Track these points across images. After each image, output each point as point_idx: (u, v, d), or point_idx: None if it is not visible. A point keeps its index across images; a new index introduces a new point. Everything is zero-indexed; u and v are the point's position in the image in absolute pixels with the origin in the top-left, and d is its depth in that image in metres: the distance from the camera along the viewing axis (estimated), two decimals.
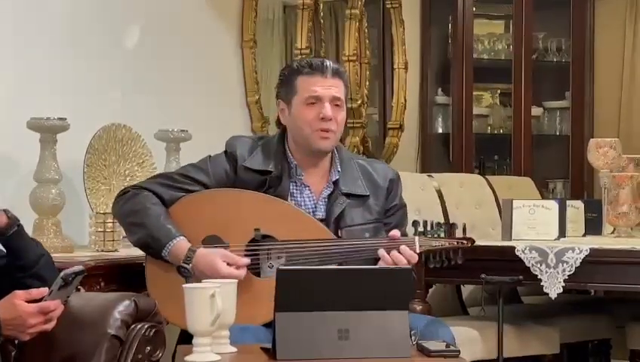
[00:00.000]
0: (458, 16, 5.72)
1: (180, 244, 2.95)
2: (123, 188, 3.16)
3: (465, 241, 3.02)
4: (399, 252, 2.94)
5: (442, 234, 3.00)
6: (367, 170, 3.14)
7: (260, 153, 3.09)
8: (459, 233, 3.03)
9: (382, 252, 2.94)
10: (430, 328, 2.90)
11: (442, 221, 3.55)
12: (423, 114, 5.86)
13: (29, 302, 2.48)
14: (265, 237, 2.99)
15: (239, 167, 3.07)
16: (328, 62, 3.07)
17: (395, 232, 3.00)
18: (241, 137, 3.16)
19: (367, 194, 3.10)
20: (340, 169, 3.10)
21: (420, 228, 3.01)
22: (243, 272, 2.91)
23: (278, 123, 3.17)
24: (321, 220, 3.05)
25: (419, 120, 5.85)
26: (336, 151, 3.13)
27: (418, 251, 2.97)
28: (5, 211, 2.62)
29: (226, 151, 3.12)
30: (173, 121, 3.94)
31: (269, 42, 4.91)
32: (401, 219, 3.16)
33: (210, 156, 3.13)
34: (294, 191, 3.08)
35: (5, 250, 2.65)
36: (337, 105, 3.04)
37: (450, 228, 3.03)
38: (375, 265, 2.97)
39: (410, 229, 3.10)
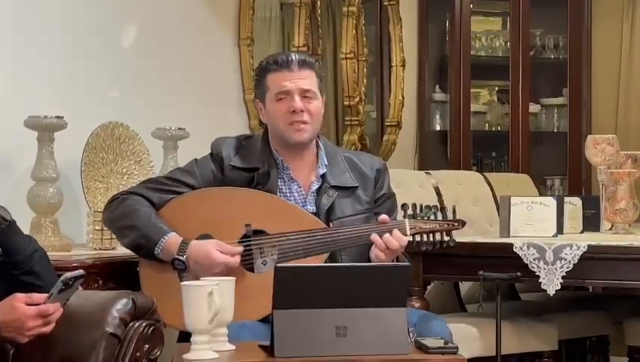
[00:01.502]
0: (455, 13, 5.73)
1: (173, 240, 2.96)
2: (112, 195, 3.16)
3: (456, 223, 3.03)
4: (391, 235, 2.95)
5: (432, 217, 3.01)
6: (353, 161, 3.16)
7: (245, 151, 3.11)
8: (449, 216, 3.04)
9: (374, 236, 2.95)
10: (424, 322, 2.91)
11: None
12: (421, 111, 5.86)
13: (28, 304, 2.49)
14: (256, 232, 3.00)
15: (226, 167, 3.09)
16: (294, 56, 3.09)
17: (384, 216, 3.01)
18: (226, 138, 3.18)
19: (356, 185, 3.12)
20: (326, 163, 3.12)
21: (410, 211, 3.01)
22: (237, 260, 2.92)
23: (260, 122, 3.19)
24: (312, 214, 3.05)
25: (416, 117, 5.85)
26: (322, 145, 3.15)
27: (408, 233, 2.97)
28: None
29: (211, 153, 3.14)
30: (171, 119, 3.94)
31: (266, 40, 4.91)
32: (391, 208, 3.18)
33: (196, 159, 3.15)
34: (282, 186, 3.09)
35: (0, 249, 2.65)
36: (307, 96, 3.05)
37: (440, 210, 3.04)
38: (368, 251, 2.98)
39: (399, 213, 3.10)
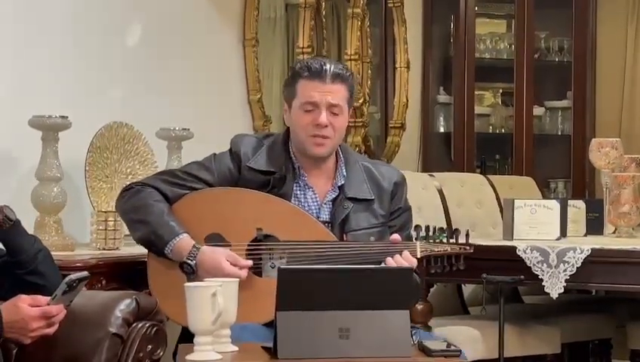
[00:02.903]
0: (460, 15, 5.73)
1: (184, 241, 2.95)
2: (127, 184, 3.16)
3: (467, 247, 3.00)
4: (400, 255, 2.93)
5: (444, 240, 2.99)
6: (372, 172, 3.12)
7: (264, 153, 3.07)
8: (462, 238, 3.01)
9: (389, 261, 2.93)
10: None
11: (444, 223, 3.52)
12: (425, 113, 5.86)
13: (32, 306, 2.49)
14: (267, 236, 2.99)
15: (243, 167, 3.06)
16: (328, 66, 3.01)
17: (396, 236, 3.00)
18: (246, 136, 3.16)
19: (372, 198, 3.08)
20: (345, 173, 3.08)
21: (422, 233, 2.99)
22: (245, 273, 2.91)
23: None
24: (326, 223, 3.04)
25: (420, 119, 5.86)
26: (342, 153, 3.12)
27: (419, 256, 2.95)
28: (3, 208, 2.62)
29: (230, 150, 3.11)
30: (175, 120, 3.94)
31: (270, 41, 4.91)
32: (406, 222, 3.14)
33: (215, 154, 3.12)
34: (298, 192, 3.07)
35: (5, 248, 2.66)
36: (334, 112, 3.00)
37: (453, 233, 3.01)
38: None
39: (412, 234, 3.09)
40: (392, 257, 2.93)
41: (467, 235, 3.01)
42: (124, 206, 3.07)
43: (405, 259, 2.92)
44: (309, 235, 2.96)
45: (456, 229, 3.03)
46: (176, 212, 3.02)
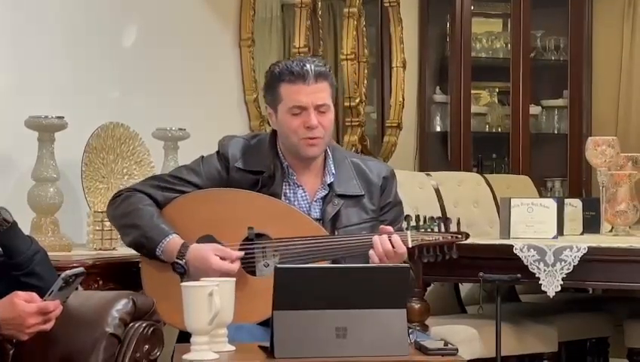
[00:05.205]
0: (456, 15, 5.73)
1: (174, 241, 2.95)
2: (116, 191, 3.16)
3: (459, 236, 3.00)
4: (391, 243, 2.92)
5: (436, 229, 2.99)
6: (361, 168, 3.13)
7: (252, 153, 3.08)
8: (453, 228, 3.01)
9: (375, 239, 2.92)
10: None
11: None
12: (421, 112, 5.86)
13: (28, 302, 2.49)
14: (259, 235, 2.99)
15: (231, 168, 3.07)
16: (309, 66, 2.99)
17: (388, 228, 2.99)
18: (234, 137, 3.15)
19: (362, 193, 3.09)
20: (334, 171, 3.09)
21: (413, 223, 3.00)
22: (237, 266, 2.91)
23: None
24: (316, 221, 3.04)
25: (417, 118, 5.86)
26: (330, 151, 3.12)
27: (410, 245, 2.95)
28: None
29: (218, 152, 3.12)
30: (172, 120, 3.94)
31: (266, 41, 4.91)
32: (397, 216, 3.14)
33: (202, 157, 3.13)
34: (287, 191, 3.07)
35: (1, 250, 2.66)
36: (322, 111, 3.00)
37: (444, 222, 3.01)
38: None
39: (403, 227, 3.09)
40: (379, 236, 2.91)
41: (458, 224, 3.02)
42: (114, 212, 3.08)
43: (395, 245, 2.92)
44: (301, 231, 2.96)
45: (447, 218, 3.04)
46: (168, 216, 3.03)
